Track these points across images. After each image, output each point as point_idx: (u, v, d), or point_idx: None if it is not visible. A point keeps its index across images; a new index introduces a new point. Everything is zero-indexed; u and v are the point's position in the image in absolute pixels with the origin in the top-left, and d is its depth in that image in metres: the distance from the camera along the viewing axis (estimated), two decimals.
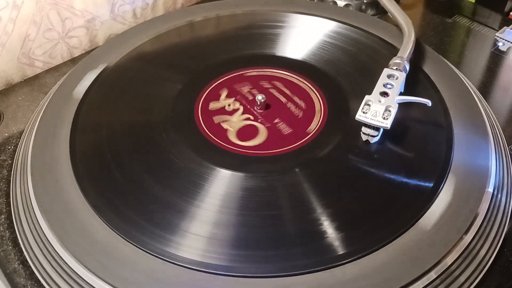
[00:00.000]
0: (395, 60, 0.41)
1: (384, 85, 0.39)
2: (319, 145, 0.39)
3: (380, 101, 0.37)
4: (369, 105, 0.37)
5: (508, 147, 0.41)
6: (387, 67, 0.41)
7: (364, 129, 0.38)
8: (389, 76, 0.40)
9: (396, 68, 0.40)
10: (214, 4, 0.55)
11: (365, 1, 0.59)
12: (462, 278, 0.31)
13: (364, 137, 0.38)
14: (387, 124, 0.36)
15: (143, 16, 0.61)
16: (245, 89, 0.44)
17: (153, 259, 0.31)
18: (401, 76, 0.40)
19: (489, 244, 0.33)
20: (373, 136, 0.38)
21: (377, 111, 0.37)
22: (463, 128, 0.39)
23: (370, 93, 0.38)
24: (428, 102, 0.37)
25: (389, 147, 0.38)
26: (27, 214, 0.35)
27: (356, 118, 0.37)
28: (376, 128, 0.37)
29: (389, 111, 0.37)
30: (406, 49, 0.43)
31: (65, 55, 0.55)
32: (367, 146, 0.38)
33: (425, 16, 0.59)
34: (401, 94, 0.39)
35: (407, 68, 0.41)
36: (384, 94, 0.38)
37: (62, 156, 0.37)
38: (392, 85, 0.39)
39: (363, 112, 0.37)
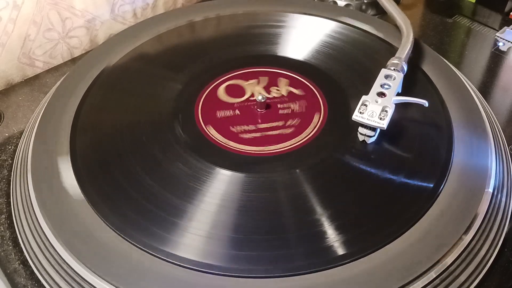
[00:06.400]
0: (393, 60, 0.41)
1: (381, 86, 0.39)
2: (319, 145, 0.39)
3: (377, 102, 0.37)
4: (366, 105, 0.37)
5: (508, 147, 0.41)
6: (385, 67, 0.41)
7: (360, 129, 0.38)
8: (386, 77, 0.40)
9: (394, 69, 0.40)
10: (214, 4, 0.55)
11: (365, 1, 0.59)
12: (462, 278, 0.31)
13: (360, 137, 0.38)
14: (384, 124, 0.36)
15: (143, 16, 0.61)
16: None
17: (153, 259, 0.31)
18: (399, 77, 0.40)
19: (489, 244, 0.33)
20: (370, 137, 0.38)
21: (373, 111, 0.37)
22: (463, 128, 0.39)
23: (367, 93, 0.38)
24: (425, 103, 0.37)
25: (390, 148, 0.38)
26: (28, 214, 0.35)
27: (352, 118, 0.37)
28: (373, 129, 0.37)
29: (386, 111, 0.37)
30: (404, 49, 0.43)
31: (65, 55, 0.55)
32: (368, 147, 0.38)
33: (425, 16, 0.59)
34: (398, 94, 0.39)
35: (405, 68, 0.41)
36: (381, 94, 0.38)
37: (63, 156, 0.37)
38: (389, 85, 0.39)
39: (360, 112, 0.37)
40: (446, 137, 0.38)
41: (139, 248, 0.31)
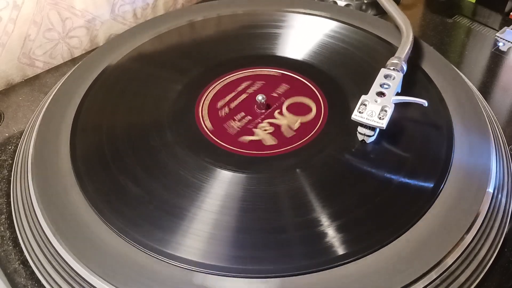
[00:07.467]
0: (393, 60, 0.41)
1: (380, 85, 0.39)
2: (319, 145, 0.39)
3: (376, 101, 0.37)
4: (365, 105, 0.37)
5: (508, 147, 0.41)
6: (384, 67, 0.41)
7: (360, 128, 0.38)
8: (386, 76, 0.40)
9: (393, 68, 0.40)
10: (214, 4, 0.55)
11: (365, 1, 0.59)
12: (462, 278, 0.31)
13: (360, 137, 0.38)
14: (383, 124, 0.36)
15: (143, 16, 0.61)
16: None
17: (153, 259, 0.31)
18: (398, 76, 0.40)
19: (490, 244, 0.33)
20: (369, 136, 0.38)
21: (373, 111, 0.37)
22: (463, 128, 0.39)
23: (367, 93, 0.38)
24: (424, 103, 0.37)
25: (390, 148, 0.38)
26: (28, 214, 0.35)
27: (352, 118, 0.37)
28: (372, 128, 0.37)
29: (385, 111, 0.37)
30: (404, 49, 0.43)
31: (66, 55, 0.55)
32: (367, 147, 0.38)
33: (425, 16, 0.59)
34: (398, 94, 0.39)
35: (405, 68, 0.41)
36: (381, 94, 0.38)
37: (63, 156, 0.37)
38: (388, 85, 0.39)
39: (359, 112, 0.37)
40: (446, 137, 0.38)
41: (140, 248, 0.31)
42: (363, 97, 0.38)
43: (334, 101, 0.43)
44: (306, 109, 0.41)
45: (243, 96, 0.44)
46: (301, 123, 0.40)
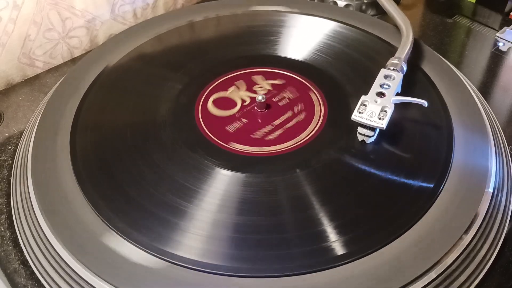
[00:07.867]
0: (392, 60, 0.41)
1: (380, 86, 0.39)
2: (319, 145, 0.39)
3: (376, 101, 0.37)
4: (365, 105, 0.37)
5: (508, 147, 0.41)
6: (384, 67, 0.41)
7: (360, 129, 0.38)
8: (386, 77, 0.40)
9: (393, 69, 0.40)
10: (214, 4, 0.55)
11: (365, 1, 0.59)
12: (462, 278, 0.31)
13: (360, 137, 0.38)
14: (383, 124, 0.36)
15: (143, 16, 0.61)
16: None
17: (153, 258, 0.31)
18: (398, 77, 0.40)
19: (489, 244, 0.33)
20: (369, 136, 0.38)
21: (373, 111, 0.37)
22: (463, 128, 0.39)
23: (367, 93, 0.38)
24: (424, 103, 0.37)
25: (390, 148, 0.38)
26: (28, 214, 0.35)
27: (352, 118, 0.37)
28: (372, 128, 0.37)
29: (385, 111, 0.37)
30: (404, 49, 0.43)
31: (66, 55, 0.55)
32: (367, 147, 0.38)
33: (425, 16, 0.59)
34: (398, 94, 0.39)
35: (404, 68, 0.41)
36: (381, 94, 0.38)
37: (62, 156, 0.37)
38: (388, 85, 0.39)
39: (359, 112, 0.37)
40: (446, 137, 0.38)
41: (139, 247, 0.31)
42: (363, 97, 0.38)
43: (334, 101, 0.43)
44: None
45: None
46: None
